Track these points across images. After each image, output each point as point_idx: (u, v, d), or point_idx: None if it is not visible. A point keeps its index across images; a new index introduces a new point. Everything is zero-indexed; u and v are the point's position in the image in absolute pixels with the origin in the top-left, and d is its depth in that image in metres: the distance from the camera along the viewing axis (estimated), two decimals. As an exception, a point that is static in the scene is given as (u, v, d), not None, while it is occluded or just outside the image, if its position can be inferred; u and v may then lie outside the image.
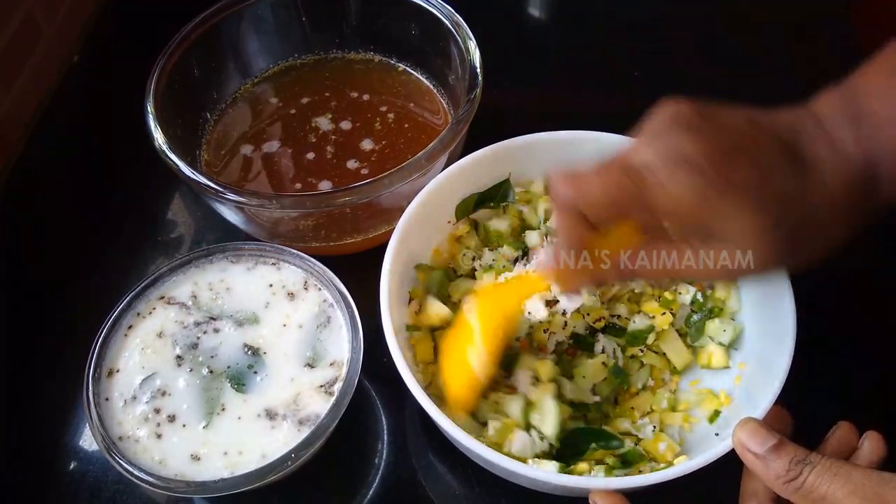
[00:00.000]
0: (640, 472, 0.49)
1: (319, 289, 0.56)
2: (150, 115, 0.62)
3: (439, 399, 0.53)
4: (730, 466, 0.45)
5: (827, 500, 0.38)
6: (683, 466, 0.46)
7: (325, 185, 0.67)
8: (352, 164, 0.69)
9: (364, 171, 0.68)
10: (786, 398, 0.48)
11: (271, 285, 0.57)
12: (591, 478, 0.49)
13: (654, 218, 0.43)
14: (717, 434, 0.51)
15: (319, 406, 0.51)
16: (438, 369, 0.53)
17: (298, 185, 0.68)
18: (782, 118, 0.44)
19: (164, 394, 0.52)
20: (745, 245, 0.41)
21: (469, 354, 0.49)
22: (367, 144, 0.70)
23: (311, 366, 0.53)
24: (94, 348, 0.53)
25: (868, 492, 0.37)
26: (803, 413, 0.48)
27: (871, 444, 0.44)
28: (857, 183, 0.42)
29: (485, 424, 0.51)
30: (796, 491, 0.40)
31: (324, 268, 0.56)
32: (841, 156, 0.42)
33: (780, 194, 0.41)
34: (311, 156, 0.70)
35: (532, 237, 0.59)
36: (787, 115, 0.44)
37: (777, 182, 0.41)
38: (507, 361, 0.54)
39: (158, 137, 0.61)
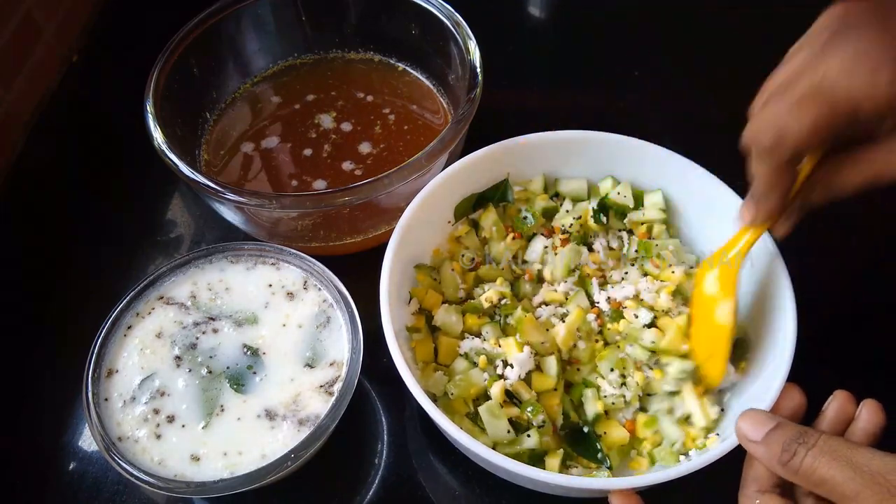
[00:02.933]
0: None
1: (319, 289, 0.56)
2: (150, 115, 0.62)
3: (440, 402, 0.53)
4: (730, 466, 0.45)
5: (827, 484, 0.38)
6: (683, 466, 0.46)
7: (319, 185, 0.67)
8: (347, 165, 0.69)
9: (358, 173, 0.68)
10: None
11: (271, 285, 0.57)
12: (591, 478, 0.49)
13: (857, 131, 0.41)
14: (717, 434, 0.51)
15: (319, 406, 0.51)
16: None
17: (295, 183, 0.68)
18: None
19: (163, 394, 0.52)
20: None
21: (716, 316, 0.51)
22: (364, 147, 0.70)
23: (310, 366, 0.53)
24: (94, 348, 0.53)
25: (867, 475, 0.37)
26: (804, 413, 0.48)
27: (868, 413, 0.44)
28: None
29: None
30: (795, 473, 0.39)
31: (324, 268, 0.56)
32: None
33: None
34: (308, 152, 0.70)
35: (534, 251, 0.59)
36: None
37: None
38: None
39: (158, 137, 0.61)
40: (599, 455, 0.51)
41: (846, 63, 0.39)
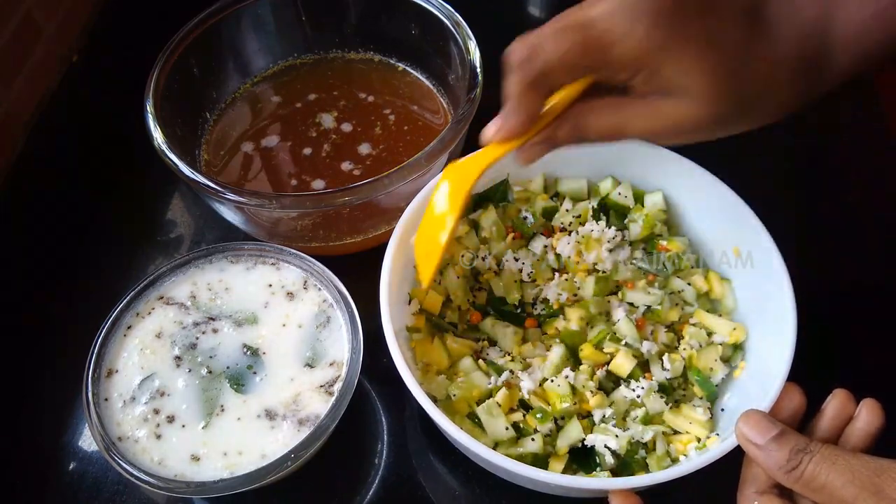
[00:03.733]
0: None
1: (319, 289, 0.56)
2: (150, 115, 0.62)
3: (441, 402, 0.53)
4: (730, 466, 0.45)
5: (826, 490, 0.39)
6: (683, 466, 0.46)
7: (318, 185, 0.67)
8: (346, 165, 0.69)
9: (357, 173, 0.68)
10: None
11: (271, 285, 0.57)
12: (591, 478, 0.49)
13: (611, 72, 0.43)
14: (717, 434, 0.51)
15: (319, 406, 0.51)
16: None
17: (294, 182, 0.68)
18: None
19: (162, 394, 0.52)
20: (696, 93, 0.42)
21: (436, 227, 0.51)
22: (364, 149, 0.70)
23: (310, 366, 0.53)
24: (94, 348, 0.53)
25: (864, 479, 0.38)
26: (804, 413, 0.48)
27: (867, 413, 0.44)
28: (810, 47, 0.43)
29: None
30: (797, 480, 0.40)
31: (324, 268, 0.56)
32: (798, 19, 0.43)
33: (731, 44, 0.41)
34: (307, 151, 0.70)
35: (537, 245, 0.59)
36: None
37: (730, 33, 0.41)
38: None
39: (158, 137, 0.61)
40: (598, 469, 0.51)
41: (614, 6, 0.41)
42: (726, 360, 0.55)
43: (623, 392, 0.53)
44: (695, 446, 0.51)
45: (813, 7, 0.43)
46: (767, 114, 0.44)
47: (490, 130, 0.47)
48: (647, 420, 0.52)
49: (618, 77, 0.43)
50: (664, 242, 0.59)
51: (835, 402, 0.46)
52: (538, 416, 0.51)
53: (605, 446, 0.50)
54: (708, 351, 0.54)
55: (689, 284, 0.57)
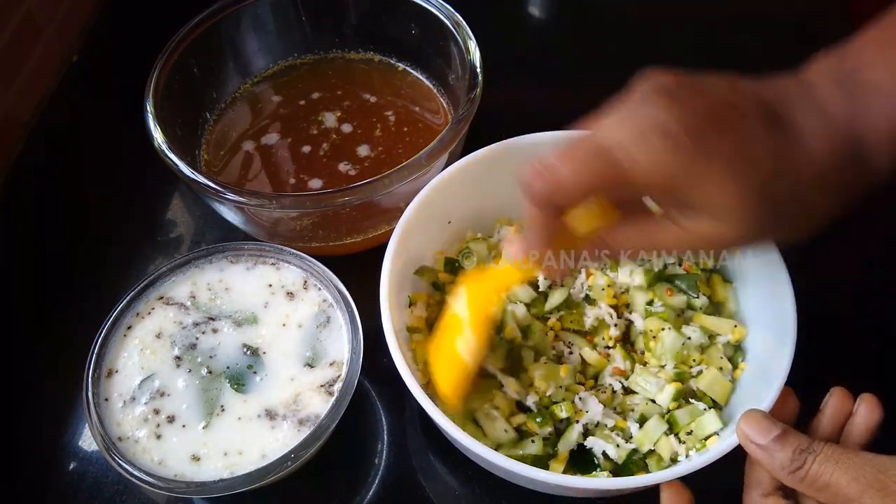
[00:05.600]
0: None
1: (319, 289, 0.56)
2: (150, 115, 0.62)
3: (439, 398, 0.53)
4: (730, 466, 0.45)
5: (830, 488, 0.39)
6: (683, 466, 0.46)
7: (315, 184, 0.67)
8: (343, 166, 0.69)
9: (352, 174, 0.68)
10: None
11: (271, 285, 0.57)
12: (591, 478, 0.49)
13: (633, 195, 0.42)
14: (717, 434, 0.51)
15: (319, 406, 0.51)
16: (430, 364, 0.52)
17: (293, 181, 0.68)
18: (767, 84, 0.42)
19: (162, 394, 0.52)
20: (726, 214, 0.39)
21: (458, 344, 0.49)
22: (363, 150, 0.70)
23: (310, 366, 0.53)
24: (94, 348, 0.53)
25: (869, 477, 0.38)
26: (804, 413, 0.48)
27: (866, 408, 0.44)
28: (844, 150, 0.40)
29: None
30: (801, 480, 0.40)
31: (324, 268, 0.56)
32: (827, 121, 0.40)
33: (760, 160, 0.39)
34: (307, 149, 0.70)
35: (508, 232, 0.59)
36: (773, 80, 0.43)
37: (757, 148, 0.39)
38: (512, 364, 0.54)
39: (158, 137, 0.61)
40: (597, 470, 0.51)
41: (629, 133, 0.39)
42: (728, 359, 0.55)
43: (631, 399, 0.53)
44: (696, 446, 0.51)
45: (839, 106, 0.40)
46: (809, 222, 0.42)
47: (510, 248, 0.47)
48: (644, 419, 0.52)
49: (640, 198, 0.42)
50: None
51: (833, 400, 0.46)
52: (538, 419, 0.51)
53: (604, 453, 0.50)
54: (711, 351, 0.55)
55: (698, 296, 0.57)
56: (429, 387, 0.53)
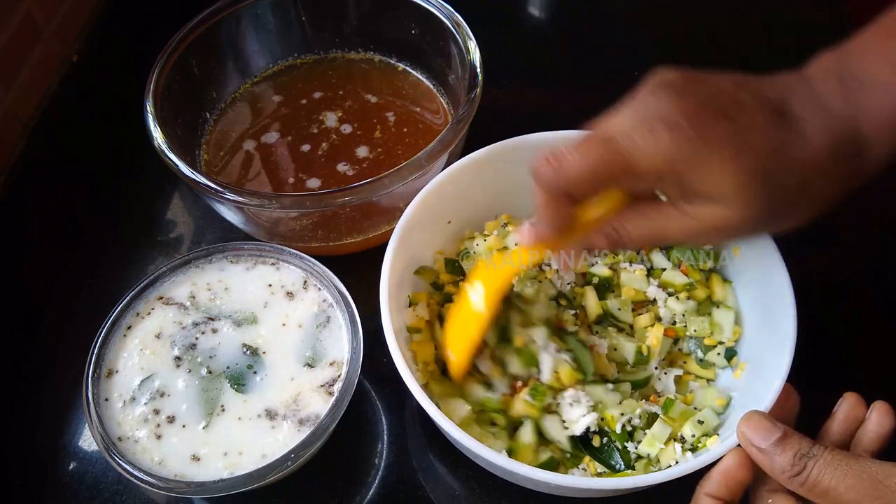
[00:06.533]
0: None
1: (319, 289, 0.56)
2: (150, 115, 0.62)
3: (438, 399, 0.53)
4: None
5: (830, 494, 0.39)
6: (683, 466, 0.46)
7: (313, 183, 0.67)
8: (342, 166, 0.69)
9: (350, 174, 0.68)
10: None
11: (270, 285, 0.57)
12: (591, 478, 0.49)
13: (639, 183, 0.43)
14: (717, 434, 0.51)
15: (319, 406, 0.51)
16: (442, 340, 0.54)
17: (291, 180, 0.68)
18: (770, 80, 0.44)
19: (162, 395, 0.52)
20: (729, 197, 0.41)
21: (469, 321, 0.51)
22: (362, 151, 0.70)
23: (310, 366, 0.53)
24: (94, 348, 0.53)
25: (868, 483, 0.38)
26: (804, 412, 0.48)
27: (878, 415, 0.44)
28: (843, 142, 0.42)
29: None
30: (801, 485, 0.40)
31: (324, 268, 0.56)
32: (826, 114, 0.42)
33: (759, 147, 0.41)
34: (306, 147, 0.70)
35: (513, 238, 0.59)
36: (775, 77, 0.44)
37: (757, 135, 0.41)
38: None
39: (158, 137, 0.61)
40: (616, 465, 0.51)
41: (633, 121, 0.42)
42: (729, 359, 0.55)
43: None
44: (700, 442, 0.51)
45: (839, 100, 0.42)
46: (809, 210, 0.43)
47: (521, 235, 0.48)
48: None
49: (647, 187, 0.43)
50: None
51: (845, 406, 0.45)
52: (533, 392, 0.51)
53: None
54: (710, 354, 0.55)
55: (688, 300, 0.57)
56: (429, 387, 0.53)
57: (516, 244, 0.49)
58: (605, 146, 0.42)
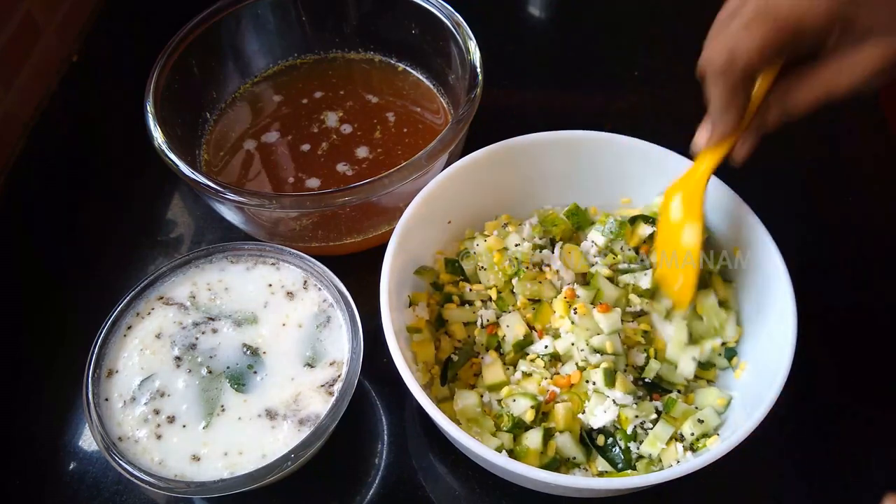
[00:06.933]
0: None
1: (319, 289, 0.56)
2: (150, 115, 0.62)
3: (441, 403, 0.53)
4: (730, 466, 0.46)
5: None
6: (683, 466, 0.46)
7: (313, 183, 0.67)
8: (342, 166, 0.69)
9: (350, 174, 0.68)
10: (786, 398, 0.48)
11: (270, 285, 0.57)
12: (591, 478, 0.49)
13: (804, 47, 0.43)
14: (717, 434, 0.51)
15: (319, 406, 0.51)
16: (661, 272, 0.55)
17: (291, 180, 0.68)
18: None
19: (163, 395, 0.52)
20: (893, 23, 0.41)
21: (683, 246, 0.52)
22: (362, 151, 0.70)
23: (310, 365, 0.53)
24: (94, 349, 0.53)
25: None
26: (804, 412, 0.48)
27: None
28: None
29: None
30: None
31: (324, 268, 0.56)
32: None
33: None
34: (306, 147, 0.70)
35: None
36: None
37: None
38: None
39: (158, 137, 0.61)
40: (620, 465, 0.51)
41: None
42: (730, 359, 0.55)
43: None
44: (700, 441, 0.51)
45: None
46: None
47: (702, 139, 0.49)
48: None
49: (812, 48, 0.43)
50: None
51: None
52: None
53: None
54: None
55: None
56: (428, 387, 0.53)
57: (696, 149, 0.50)
58: (771, 18, 0.42)
